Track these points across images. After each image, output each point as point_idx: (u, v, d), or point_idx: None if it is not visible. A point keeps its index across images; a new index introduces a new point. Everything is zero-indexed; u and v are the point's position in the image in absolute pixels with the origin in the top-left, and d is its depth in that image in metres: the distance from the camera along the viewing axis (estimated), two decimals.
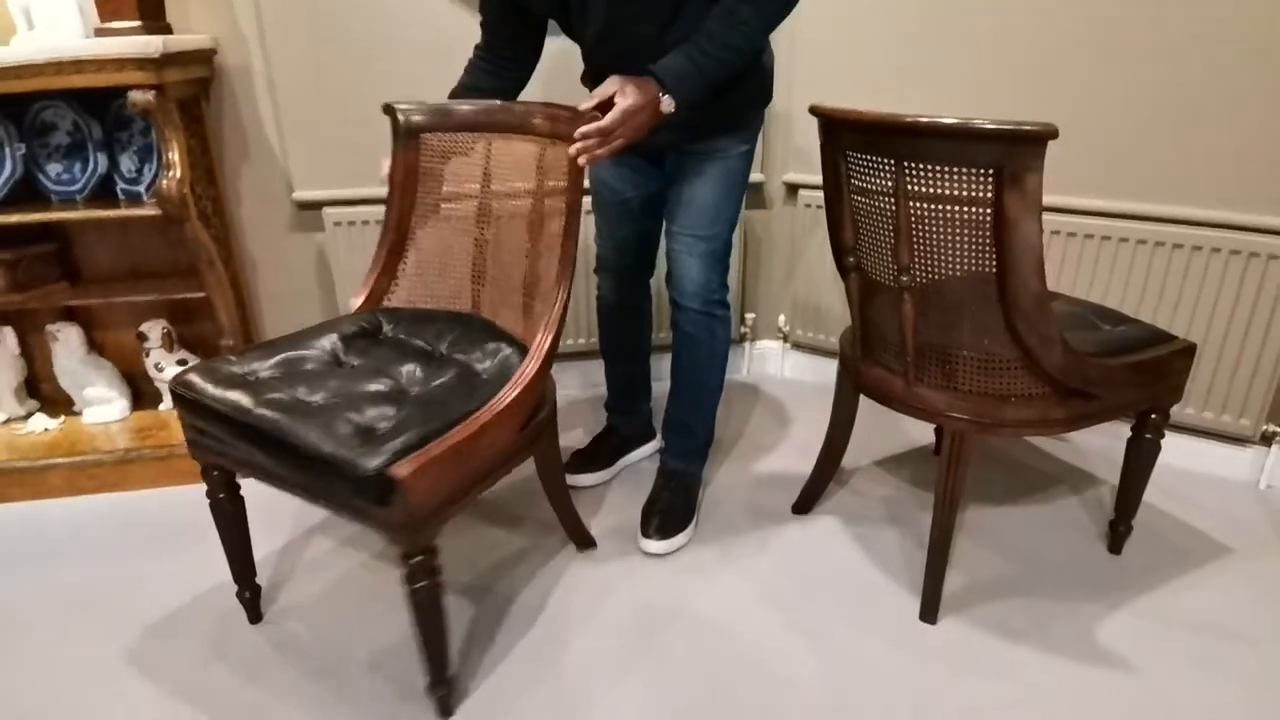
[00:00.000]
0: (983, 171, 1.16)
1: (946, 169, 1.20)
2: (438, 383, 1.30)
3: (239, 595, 1.45)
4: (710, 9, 1.33)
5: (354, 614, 1.49)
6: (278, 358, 1.35)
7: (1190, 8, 1.68)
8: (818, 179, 2.21)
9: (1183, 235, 1.78)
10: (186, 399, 1.26)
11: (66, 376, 2.04)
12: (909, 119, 1.19)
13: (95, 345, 2.10)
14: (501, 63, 1.57)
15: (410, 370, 1.35)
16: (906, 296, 1.33)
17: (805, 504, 1.78)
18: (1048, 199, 1.90)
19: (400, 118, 1.51)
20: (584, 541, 1.64)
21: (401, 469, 1.07)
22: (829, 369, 2.39)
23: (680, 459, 1.77)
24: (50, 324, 2.02)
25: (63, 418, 2.06)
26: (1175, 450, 1.93)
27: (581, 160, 1.31)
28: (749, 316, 2.46)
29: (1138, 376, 1.40)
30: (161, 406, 2.10)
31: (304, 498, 1.21)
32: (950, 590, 1.51)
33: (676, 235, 1.61)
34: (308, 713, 1.27)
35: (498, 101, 1.52)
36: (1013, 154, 1.13)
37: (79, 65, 1.62)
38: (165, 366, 2.04)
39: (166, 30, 1.82)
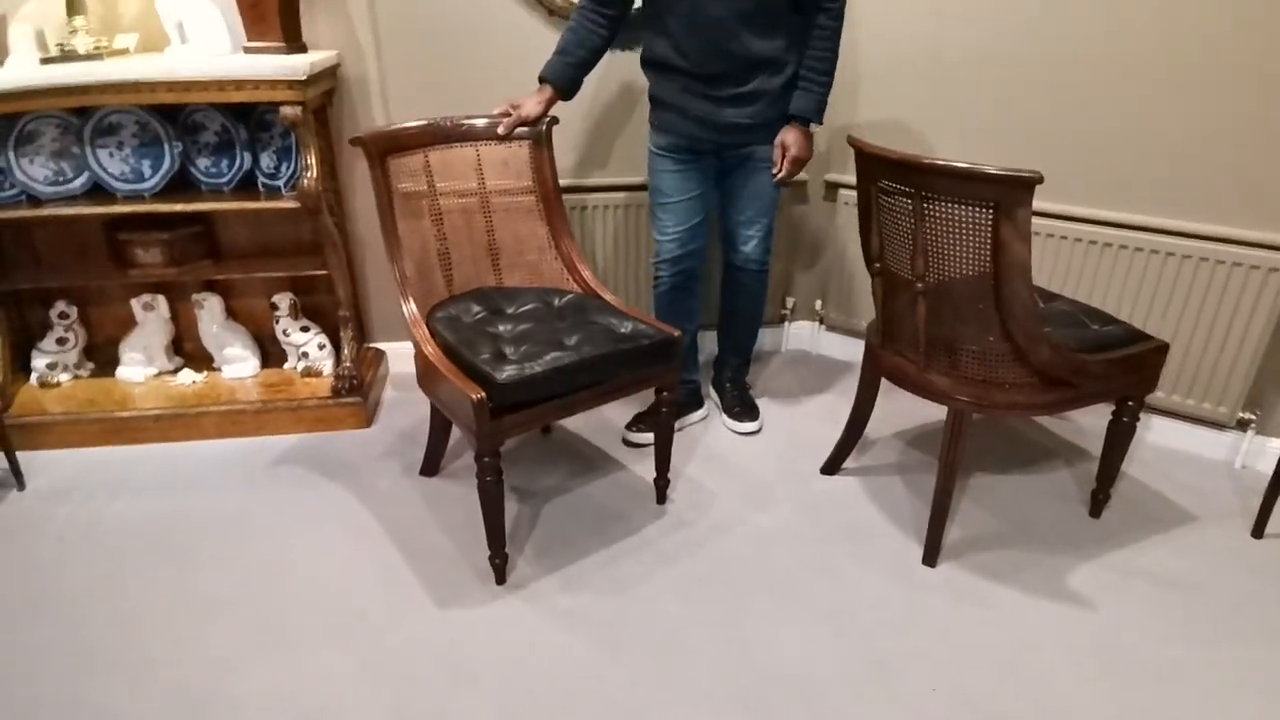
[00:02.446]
0: (983, 205, 1.44)
1: (956, 200, 1.48)
2: (573, 312, 1.86)
3: (491, 560, 1.70)
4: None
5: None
6: (487, 349, 1.65)
7: (1182, 57, 1.91)
8: (851, 179, 2.49)
9: (1175, 245, 2.03)
10: (522, 382, 1.55)
11: (209, 338, 2.43)
12: (927, 160, 1.47)
13: (230, 311, 2.48)
14: (609, 20, 1.93)
15: (544, 312, 1.87)
16: (921, 299, 1.62)
17: (832, 466, 2.10)
18: (1061, 208, 2.17)
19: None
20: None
21: (673, 332, 1.76)
22: (856, 347, 2.69)
23: (740, 371, 2.39)
24: (196, 293, 2.40)
25: (205, 373, 2.45)
26: (1164, 432, 2.21)
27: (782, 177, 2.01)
28: (789, 300, 2.75)
29: (1114, 370, 1.67)
30: (286, 365, 2.48)
31: (609, 394, 1.74)
32: (949, 541, 1.83)
33: (745, 221, 2.09)
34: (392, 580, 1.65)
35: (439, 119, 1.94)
36: (1007, 193, 1.40)
37: (238, 84, 1.95)
38: (291, 332, 2.42)
39: (303, 48, 2.15)
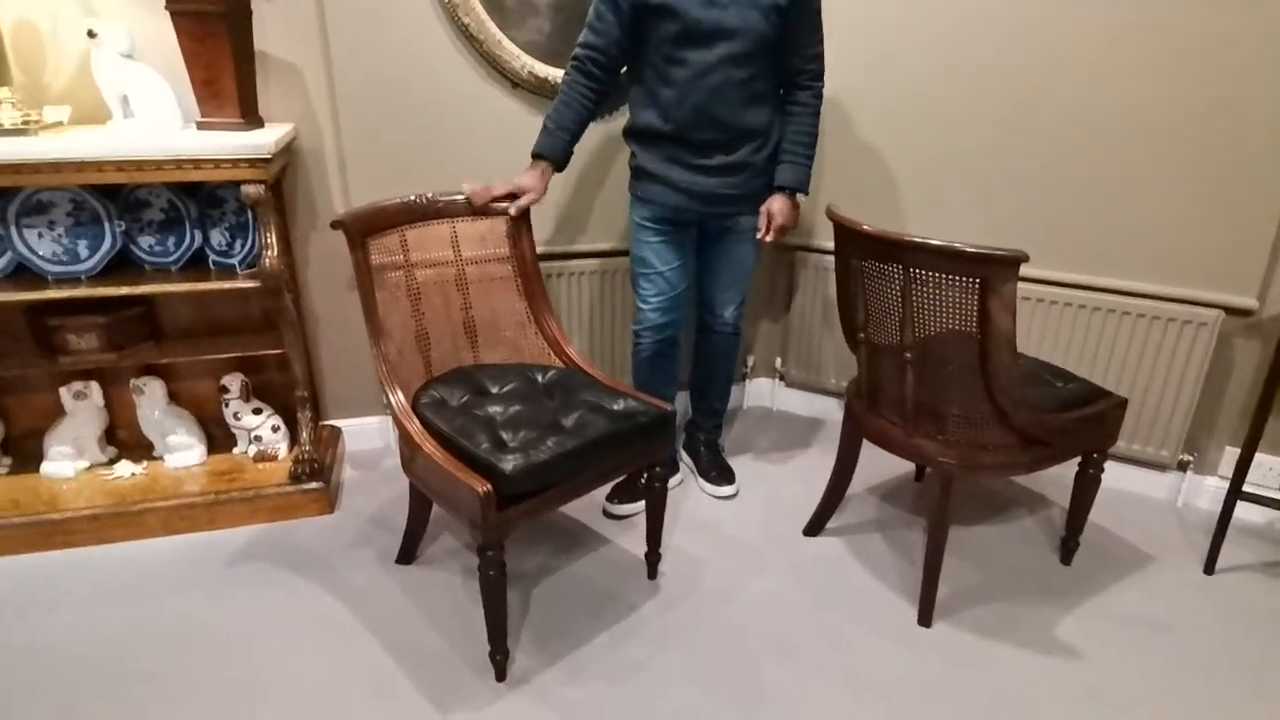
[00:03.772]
0: (970, 280, 1.52)
1: (943, 276, 1.55)
2: (560, 390, 1.83)
3: (491, 656, 1.62)
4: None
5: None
6: (484, 437, 1.59)
7: (1136, 140, 2.09)
8: (810, 242, 2.58)
9: (1115, 303, 2.19)
10: (532, 469, 1.51)
11: (150, 425, 2.25)
12: (908, 238, 1.54)
13: (172, 395, 2.31)
14: (597, 94, 1.94)
15: (531, 390, 1.83)
16: (909, 368, 1.68)
17: (815, 527, 2.12)
18: (1027, 270, 2.29)
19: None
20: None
21: (666, 407, 1.75)
22: (817, 403, 2.77)
23: (714, 432, 2.41)
24: (135, 378, 2.23)
25: (144, 463, 2.26)
26: (1113, 476, 2.34)
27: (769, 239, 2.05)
28: (750, 358, 2.80)
29: (1083, 427, 1.78)
30: (236, 450, 2.33)
31: (607, 475, 1.75)
32: (939, 597, 1.87)
33: (724, 287, 2.16)
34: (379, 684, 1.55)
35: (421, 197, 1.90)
36: (995, 270, 1.48)
37: (197, 163, 1.86)
38: (243, 415, 2.28)
39: (260, 123, 2.06)
